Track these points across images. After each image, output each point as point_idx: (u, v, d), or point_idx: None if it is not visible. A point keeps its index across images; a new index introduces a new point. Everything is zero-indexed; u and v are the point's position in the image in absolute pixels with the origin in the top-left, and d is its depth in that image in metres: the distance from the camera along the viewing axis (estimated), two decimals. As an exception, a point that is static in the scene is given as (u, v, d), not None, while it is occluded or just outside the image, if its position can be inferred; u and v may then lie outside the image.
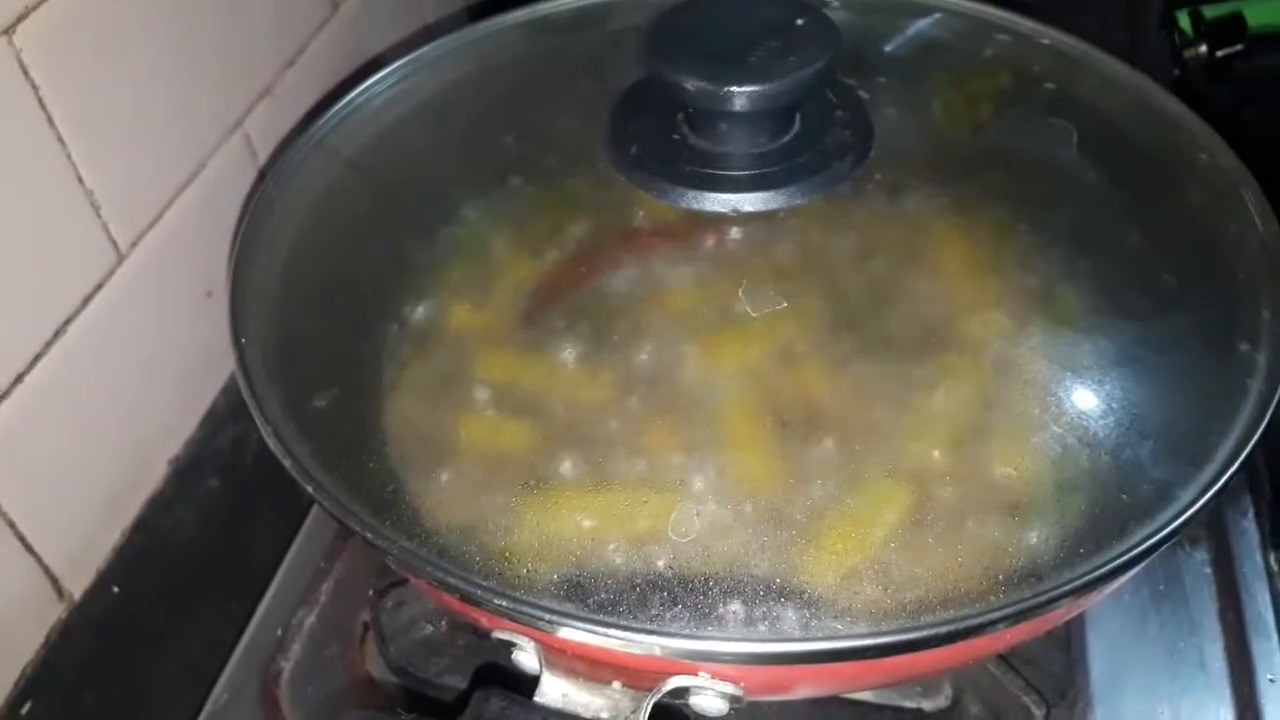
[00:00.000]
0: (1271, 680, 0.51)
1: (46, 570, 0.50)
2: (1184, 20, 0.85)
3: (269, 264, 0.49)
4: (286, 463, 0.39)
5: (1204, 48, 0.83)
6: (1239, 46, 0.83)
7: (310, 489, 0.39)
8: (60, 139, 0.48)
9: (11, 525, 0.48)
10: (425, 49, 0.59)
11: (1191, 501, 0.38)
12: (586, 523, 0.44)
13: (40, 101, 0.46)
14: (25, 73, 0.45)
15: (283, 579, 0.54)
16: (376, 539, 0.38)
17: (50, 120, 0.47)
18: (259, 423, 0.41)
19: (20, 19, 0.45)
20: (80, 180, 0.49)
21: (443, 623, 0.50)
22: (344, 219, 0.54)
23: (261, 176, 0.62)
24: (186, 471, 0.58)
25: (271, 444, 0.40)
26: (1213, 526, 0.56)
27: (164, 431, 0.58)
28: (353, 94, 0.56)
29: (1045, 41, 0.58)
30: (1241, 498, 0.57)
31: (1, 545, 0.47)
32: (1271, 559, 0.55)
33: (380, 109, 0.57)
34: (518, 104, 0.59)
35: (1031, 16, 0.59)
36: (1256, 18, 0.85)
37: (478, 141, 0.58)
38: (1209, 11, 0.85)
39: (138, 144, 0.53)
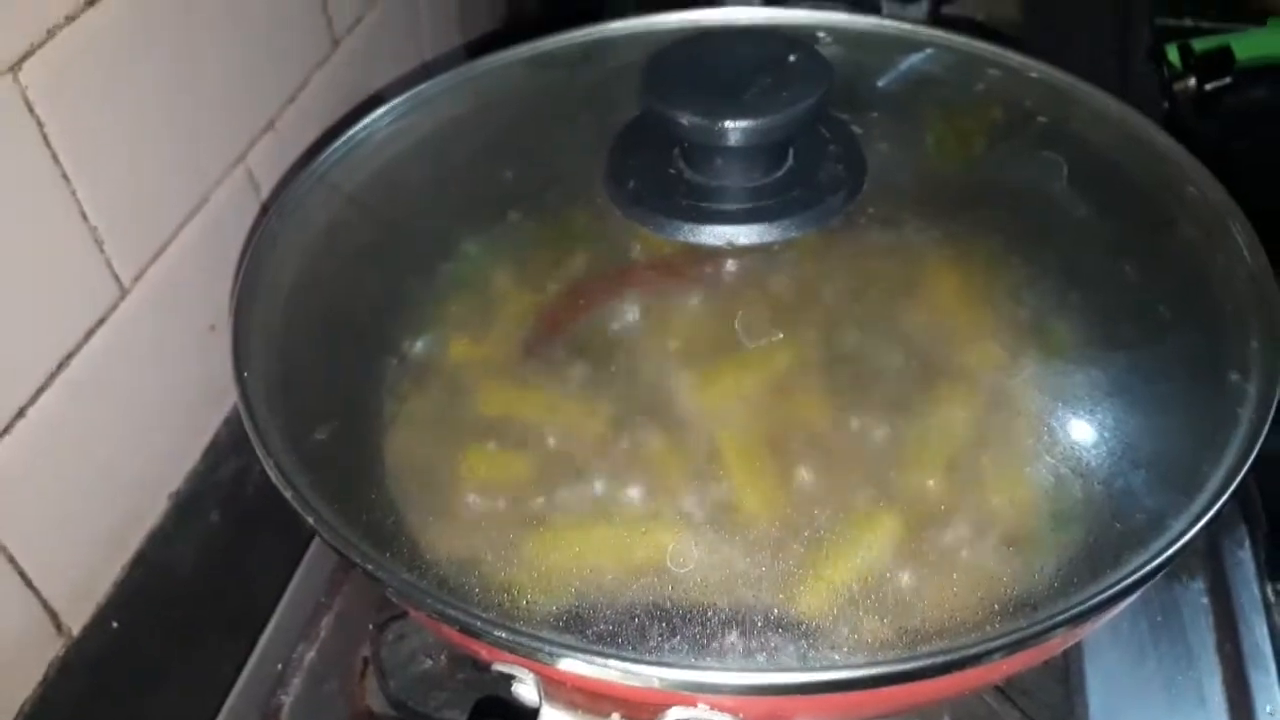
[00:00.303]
0: (1271, 713, 0.51)
1: (46, 605, 0.50)
2: (1173, 54, 0.86)
3: (271, 298, 0.49)
4: (288, 494, 0.40)
5: (1193, 81, 0.84)
6: (1227, 80, 0.84)
7: (311, 520, 0.39)
8: (65, 175, 0.48)
9: (11, 560, 0.48)
10: (425, 86, 0.60)
11: (1184, 530, 0.38)
12: (585, 554, 0.44)
13: (45, 138, 0.47)
14: (30, 109, 0.46)
15: (283, 613, 0.54)
16: (377, 571, 0.38)
17: (55, 157, 0.47)
18: (261, 455, 0.41)
19: (26, 56, 0.45)
20: (84, 216, 0.49)
21: (442, 656, 0.50)
22: (345, 253, 0.54)
23: (264, 211, 0.63)
24: (187, 505, 0.58)
25: (273, 476, 0.41)
26: (1209, 558, 0.56)
27: (165, 465, 0.58)
28: (354, 130, 0.57)
29: (1034, 75, 0.59)
30: (1238, 529, 0.57)
31: (1, 580, 0.47)
32: (1269, 590, 0.55)
33: (381, 145, 0.58)
34: (516, 140, 0.60)
35: (1021, 51, 0.60)
36: (1244, 51, 0.87)
37: (477, 176, 0.58)
38: (1197, 45, 0.87)
39: (141, 179, 0.53)
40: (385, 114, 0.58)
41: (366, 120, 0.57)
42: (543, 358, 0.52)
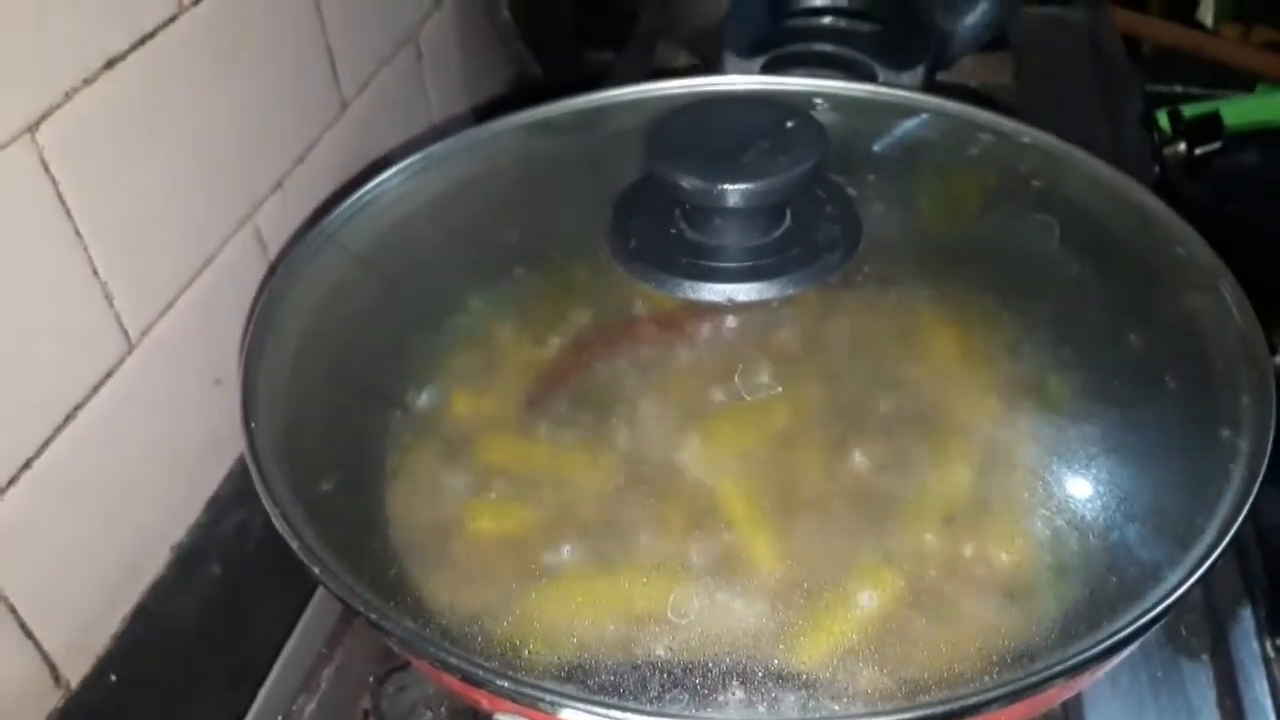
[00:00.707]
0: (1272, 770, 0.50)
1: (45, 657, 0.50)
2: (1163, 119, 0.88)
3: (279, 352, 0.50)
4: (294, 544, 0.40)
5: (1183, 146, 0.85)
6: (1217, 145, 0.86)
7: (316, 570, 0.40)
8: (77, 232, 0.49)
9: (13, 611, 0.48)
10: (432, 148, 0.61)
11: (1179, 583, 0.39)
12: (587, 606, 0.45)
13: (60, 196, 0.48)
14: (46, 169, 0.47)
15: (283, 665, 0.54)
16: (381, 620, 0.39)
17: (68, 214, 0.49)
18: (267, 505, 0.42)
19: (44, 118, 0.46)
20: (95, 272, 0.50)
21: (443, 709, 0.50)
22: (352, 309, 0.55)
23: (272, 269, 0.64)
24: (189, 558, 0.58)
25: (279, 526, 0.41)
26: (1209, 614, 0.56)
27: (168, 518, 0.58)
28: (362, 190, 0.58)
29: (1026, 140, 0.60)
30: (1236, 584, 0.57)
31: (1, 632, 0.47)
32: (1268, 646, 0.55)
33: (388, 205, 0.59)
34: (522, 200, 0.61)
35: (1014, 117, 0.62)
36: (1234, 117, 0.88)
37: (483, 236, 0.59)
38: (1188, 111, 0.88)
39: (152, 236, 0.54)
40: (393, 175, 0.59)
41: (375, 181, 0.58)
42: (545, 411, 0.52)
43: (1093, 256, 0.55)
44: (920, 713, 0.36)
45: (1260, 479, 0.42)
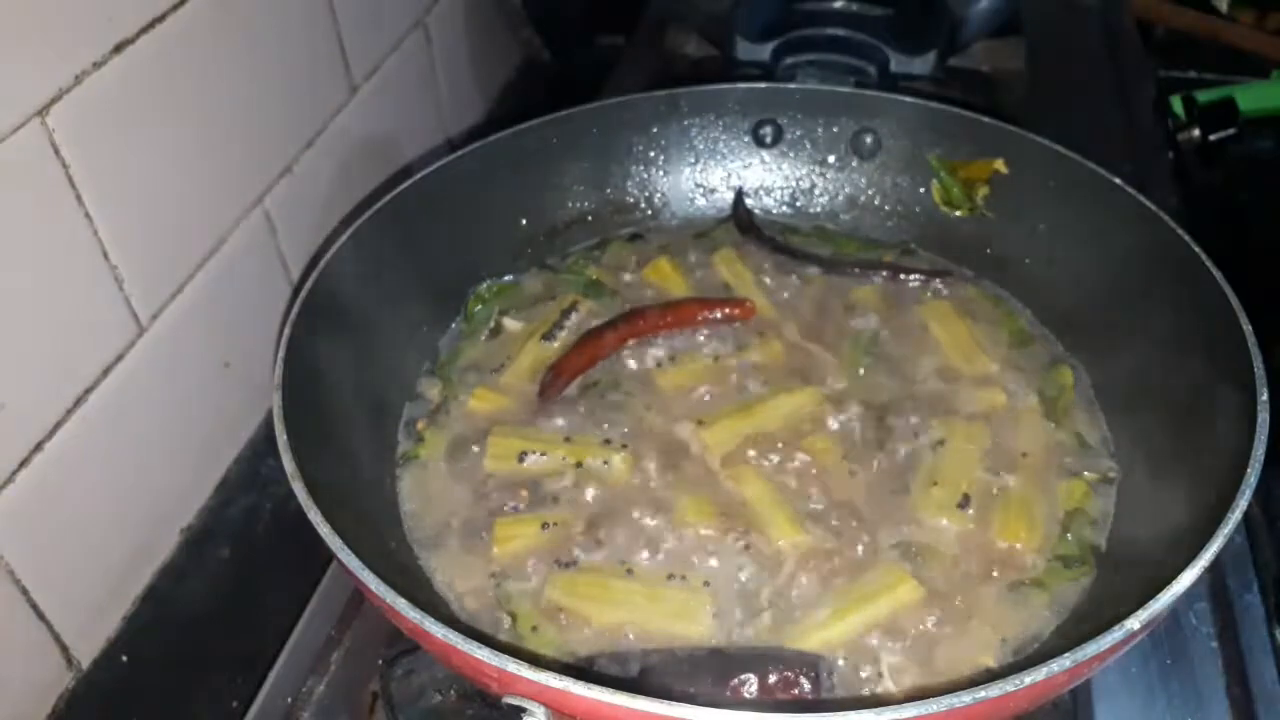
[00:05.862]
0: (1280, 757, 0.50)
1: (57, 638, 0.50)
2: (1177, 105, 0.87)
3: (310, 341, 0.50)
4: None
5: (1197, 132, 0.85)
6: (1231, 130, 0.85)
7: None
8: (88, 215, 0.49)
9: (25, 593, 0.48)
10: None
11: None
12: (598, 590, 0.45)
13: (70, 180, 0.48)
14: (57, 152, 0.47)
15: (293, 648, 0.54)
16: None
17: (79, 198, 0.48)
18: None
19: (54, 101, 0.46)
20: (105, 255, 0.50)
21: (451, 692, 0.49)
22: (374, 304, 0.55)
23: (281, 255, 0.64)
24: (198, 540, 0.58)
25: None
26: (1218, 602, 0.56)
27: (177, 500, 0.58)
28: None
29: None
30: (1246, 574, 0.57)
31: (14, 613, 0.48)
32: (1277, 634, 0.54)
33: (409, 208, 0.58)
34: (534, 194, 0.61)
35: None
36: (1248, 103, 0.88)
37: (496, 231, 0.60)
38: (1201, 96, 0.88)
39: (162, 220, 0.54)
40: (412, 183, 0.59)
41: (397, 190, 0.58)
42: (558, 403, 0.53)
43: (1106, 256, 0.55)
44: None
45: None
